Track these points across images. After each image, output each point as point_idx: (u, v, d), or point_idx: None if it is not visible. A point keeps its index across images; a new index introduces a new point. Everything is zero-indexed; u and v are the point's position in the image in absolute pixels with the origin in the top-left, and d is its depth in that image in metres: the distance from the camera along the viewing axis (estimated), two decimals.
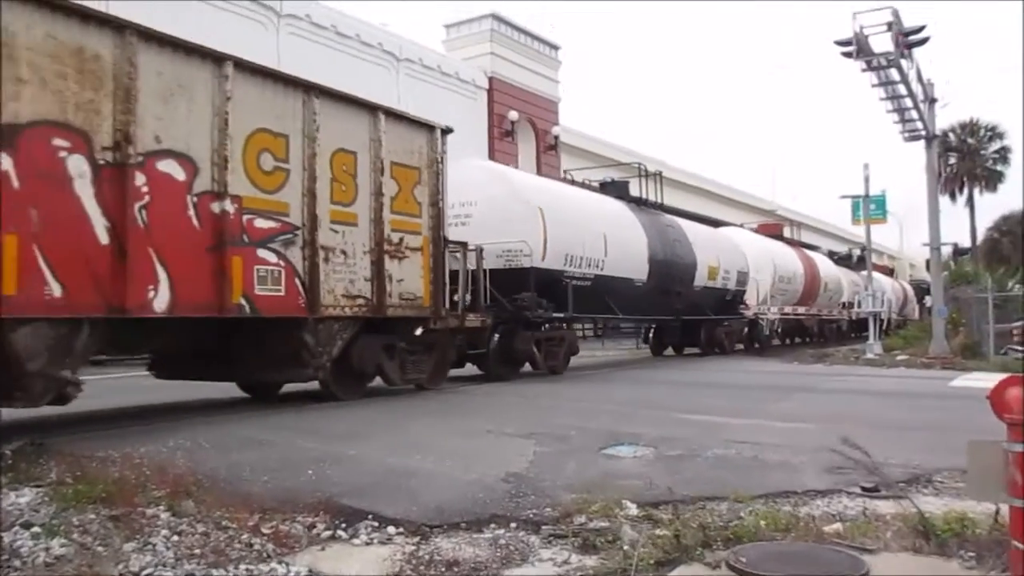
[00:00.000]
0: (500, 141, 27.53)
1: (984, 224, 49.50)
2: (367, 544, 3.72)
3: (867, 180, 23.26)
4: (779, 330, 25.47)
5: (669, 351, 21.16)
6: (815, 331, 29.57)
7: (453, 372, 10.92)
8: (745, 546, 3.52)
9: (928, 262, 25.29)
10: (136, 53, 6.35)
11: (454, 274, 10.16)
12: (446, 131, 9.81)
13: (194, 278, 6.78)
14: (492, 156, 25.40)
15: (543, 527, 3.88)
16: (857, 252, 35.38)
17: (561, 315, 12.73)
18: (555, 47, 30.66)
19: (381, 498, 4.29)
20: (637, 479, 4.78)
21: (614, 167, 19.37)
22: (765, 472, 5.06)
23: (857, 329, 30.30)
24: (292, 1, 21.49)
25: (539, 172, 25.54)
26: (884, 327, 26.02)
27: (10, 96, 5.60)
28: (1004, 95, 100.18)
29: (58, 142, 5.91)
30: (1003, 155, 46.07)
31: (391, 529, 3.84)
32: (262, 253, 7.39)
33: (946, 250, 26.49)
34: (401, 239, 9.03)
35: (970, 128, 45.86)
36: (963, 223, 46.29)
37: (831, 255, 33.14)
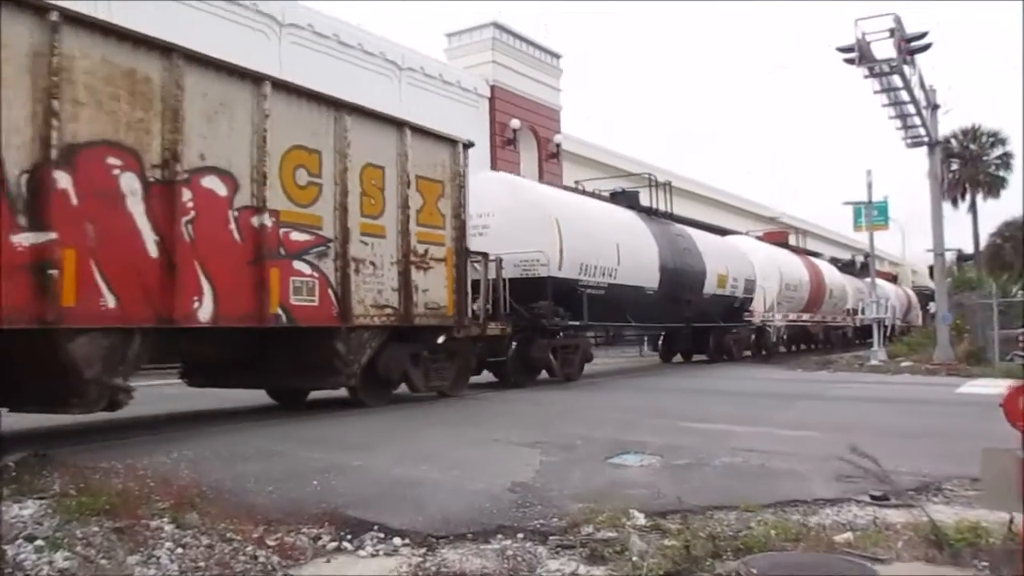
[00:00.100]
0: (502, 149, 28.00)
1: (987, 230, 50.26)
2: (373, 555, 3.73)
3: (870, 186, 23.69)
4: (785, 337, 25.99)
5: (678, 358, 21.67)
6: (820, 338, 30.16)
7: (471, 379, 11.21)
8: (756, 556, 3.53)
9: (931, 268, 25.74)
10: (183, 75, 6.81)
11: (475, 284, 10.62)
12: (468, 145, 10.30)
13: (235, 290, 7.21)
14: (494, 164, 25.89)
15: (550, 537, 3.91)
16: (860, 259, 35.97)
17: (577, 323, 13.20)
18: (556, 55, 31.22)
19: (387, 509, 4.32)
20: (644, 488, 4.85)
21: (624, 177, 19.90)
22: (773, 481, 5.10)
23: (862, 336, 30.83)
24: (293, 3, 21.94)
25: (541, 180, 26.02)
26: (888, 333, 26.47)
27: (69, 117, 6.04)
28: (1005, 98, 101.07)
29: (112, 160, 6.36)
30: (1005, 161, 46.70)
31: (397, 540, 3.86)
32: (297, 265, 7.83)
33: (949, 256, 26.97)
34: (426, 250, 9.49)
35: (972, 134, 46.56)
36: (965, 229, 47.00)
37: (834, 261, 33.71)
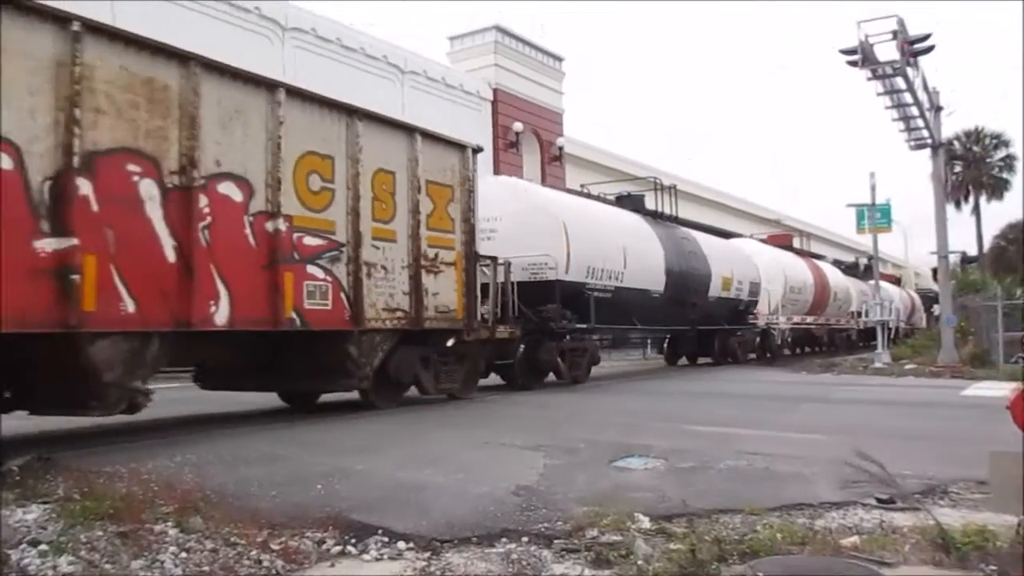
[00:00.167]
0: (505, 152, 28.20)
1: (990, 232, 50.46)
2: (377, 560, 3.75)
3: (873, 189, 23.71)
4: (789, 339, 26.18)
5: (683, 361, 21.87)
6: (824, 340, 30.37)
7: (479, 382, 11.36)
8: (762, 560, 3.54)
9: (934, 271, 25.87)
10: (200, 83, 6.98)
11: (484, 287, 10.81)
12: (477, 150, 10.50)
13: (250, 293, 7.37)
14: (497, 167, 26.07)
15: (555, 541, 3.92)
16: (864, 261, 36.14)
17: (584, 326, 13.39)
18: (559, 58, 31.45)
19: (391, 513, 4.34)
20: (649, 492, 4.87)
21: (630, 181, 20.12)
22: (778, 484, 5.11)
23: (866, 338, 31.05)
24: (296, 8, 22.14)
25: (544, 183, 26.23)
26: (892, 336, 26.60)
27: (90, 125, 6.21)
28: (1008, 101, 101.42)
29: (131, 167, 6.53)
30: (1009, 163, 46.95)
31: (401, 544, 3.88)
32: (311, 269, 8.01)
33: (953, 258, 27.06)
34: (436, 254, 9.67)
35: (975, 136, 46.81)
36: (969, 231, 47.24)
37: (837, 264, 33.92)
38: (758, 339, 22.94)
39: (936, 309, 26.60)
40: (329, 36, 23.07)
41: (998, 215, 69.32)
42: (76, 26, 6.11)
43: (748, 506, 4.35)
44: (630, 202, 17.41)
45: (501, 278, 11.29)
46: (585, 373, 14.00)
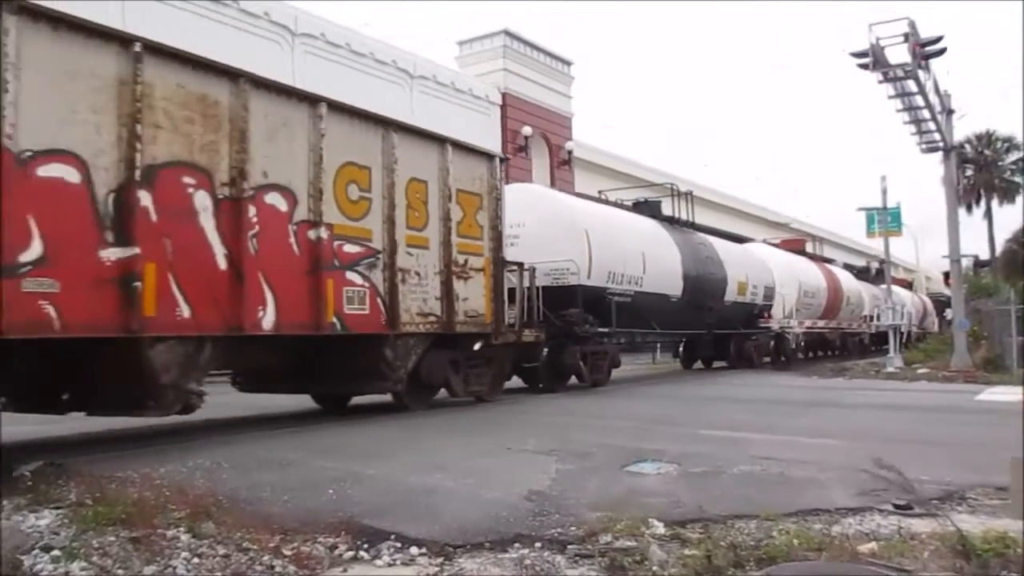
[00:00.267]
0: (514, 157, 28.65)
1: (1003, 236, 50.83)
2: (390, 565, 3.79)
3: (884, 192, 24.13)
4: (803, 343, 26.70)
5: (698, 364, 22.43)
6: (837, 344, 30.94)
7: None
8: (779, 566, 3.56)
9: (945, 275, 26.19)
10: (248, 98, 7.48)
11: (510, 292, 11.32)
12: (503, 159, 11.02)
13: (295, 299, 7.87)
14: (506, 172, 26.51)
15: (568, 546, 3.94)
16: (875, 265, 36.59)
17: (606, 330, 13.91)
18: (567, 62, 32.02)
19: (403, 518, 4.38)
20: (662, 497, 4.91)
21: (647, 187, 20.66)
22: (793, 489, 5.13)
23: (879, 342, 31.48)
24: (306, 14, 22.64)
25: (552, 187, 26.72)
26: (904, 340, 26.93)
27: (149, 140, 6.71)
28: (1007, 99, 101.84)
29: (186, 180, 7.04)
30: (1021, 166, 47.26)
31: (414, 550, 3.92)
32: (350, 275, 8.52)
33: (965, 262, 27.30)
34: (466, 260, 10.20)
35: (987, 139, 47.21)
36: (981, 235, 47.62)
37: (847, 268, 34.41)
38: (773, 343, 23.45)
39: (949, 313, 26.90)
40: (338, 41, 23.57)
41: (1011, 219, 69.76)
42: (137, 47, 6.61)
43: (763, 512, 4.37)
44: (647, 208, 17.96)
45: (527, 283, 11.82)
46: (606, 376, 14.54)
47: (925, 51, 19.55)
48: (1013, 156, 47.39)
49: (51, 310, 5.95)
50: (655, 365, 25.57)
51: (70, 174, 6.17)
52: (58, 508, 4.42)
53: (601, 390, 13.82)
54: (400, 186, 9.15)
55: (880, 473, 4.31)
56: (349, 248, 8.51)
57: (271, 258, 7.63)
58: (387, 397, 9.99)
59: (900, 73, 19.41)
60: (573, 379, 13.92)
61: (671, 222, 18.26)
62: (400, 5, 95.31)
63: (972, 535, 3.75)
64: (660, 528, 4.13)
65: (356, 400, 10.45)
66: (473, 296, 10.32)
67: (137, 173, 6.53)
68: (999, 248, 47.85)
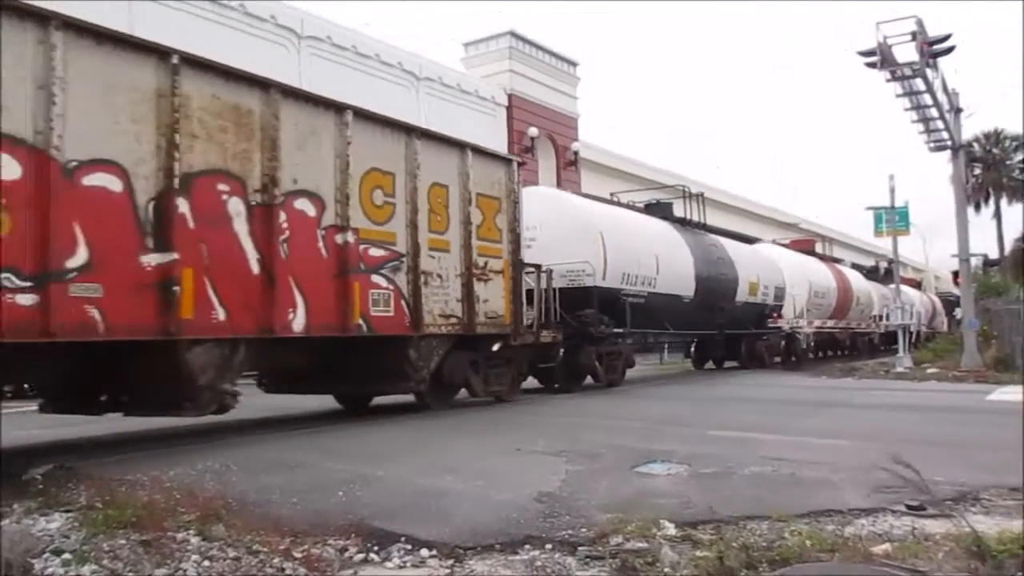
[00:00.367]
0: (520, 157, 29.03)
1: (1011, 235, 51.15)
2: (400, 567, 3.82)
3: (892, 191, 24.28)
4: (812, 343, 27.07)
5: (709, 365, 22.87)
6: (847, 344, 31.33)
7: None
8: (792, 567, 3.57)
9: (955, 274, 26.38)
10: (279, 107, 7.85)
11: (528, 293, 11.70)
12: (521, 164, 11.40)
13: (323, 302, 8.23)
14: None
15: (579, 548, 3.97)
16: (884, 265, 36.93)
17: (621, 330, 14.33)
18: (573, 63, 32.42)
19: (413, 520, 4.42)
20: (673, 498, 4.93)
21: (659, 188, 21.05)
22: (805, 490, 5.17)
23: (888, 342, 31.82)
24: (312, 16, 23.00)
25: (559, 187, 27.07)
26: (913, 340, 27.20)
27: (186, 149, 7.06)
28: (1007, 99, 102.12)
29: (221, 187, 7.39)
30: None
31: (424, 552, 3.95)
32: (375, 278, 8.89)
33: (974, 261, 27.55)
34: (486, 263, 10.58)
35: (995, 138, 47.55)
36: (989, 234, 47.89)
37: (854, 268, 34.78)
38: (783, 343, 23.84)
39: (958, 313, 27.14)
40: (344, 44, 23.94)
41: (1019, 218, 70.05)
42: (175, 59, 6.97)
43: (775, 512, 4.39)
44: (659, 210, 18.40)
45: (544, 285, 12.21)
46: (620, 376, 14.97)
47: (933, 49, 19.82)
48: (1021, 155, 47.71)
49: (96, 313, 6.31)
50: (662, 365, 25.92)
51: (113, 183, 6.53)
52: (68, 511, 4.53)
53: (615, 390, 14.18)
54: (422, 191, 9.52)
55: (898, 471, 4.26)
56: (374, 252, 8.89)
57: (301, 262, 7.99)
58: (407, 397, 10.35)
59: (908, 72, 19.66)
60: (588, 379, 14.29)
61: (683, 223, 18.70)
62: (403, 5, 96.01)
63: (987, 536, 3.74)
64: (671, 529, 4.18)
65: (377, 400, 10.81)
66: (493, 298, 10.70)
67: (175, 181, 6.89)
68: (1008, 247, 48.21)
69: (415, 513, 4.62)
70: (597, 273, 13.60)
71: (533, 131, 29.20)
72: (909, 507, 4.59)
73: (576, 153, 31.37)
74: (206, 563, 3.74)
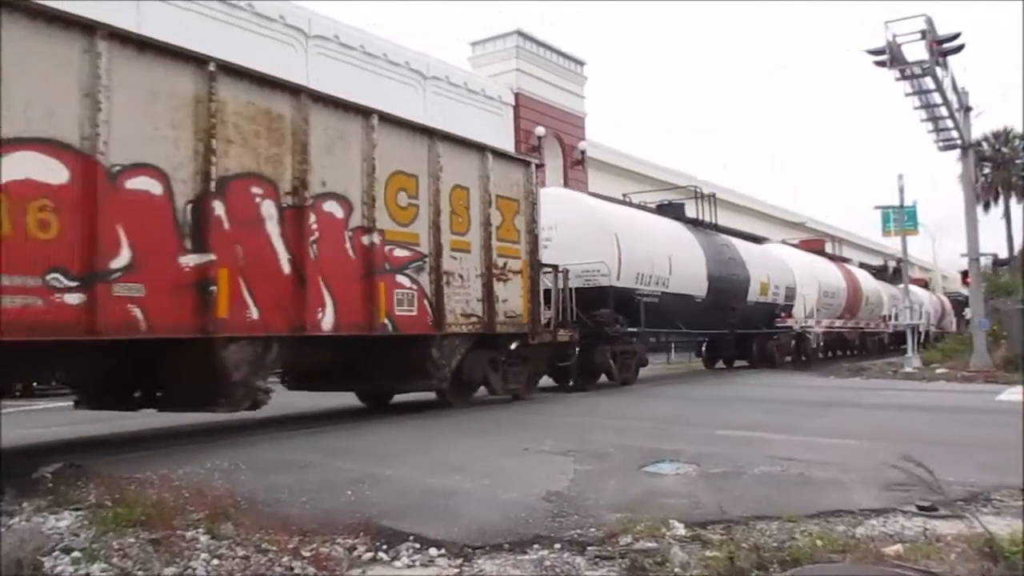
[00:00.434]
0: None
1: (1021, 234, 51.41)
2: (409, 567, 3.86)
3: (901, 191, 24.51)
4: (822, 343, 27.42)
5: (720, 364, 23.29)
6: (856, 344, 31.76)
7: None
8: (803, 568, 3.58)
9: (963, 273, 26.59)
10: (309, 112, 8.20)
11: (546, 293, 12.07)
12: (539, 166, 11.77)
13: (350, 301, 8.59)
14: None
15: (588, 548, 4.00)
16: (892, 264, 37.24)
17: (635, 330, 14.72)
18: (580, 62, 32.75)
19: (421, 519, 4.47)
20: (682, 498, 4.97)
21: (671, 189, 21.43)
22: (814, 490, 5.20)
23: (898, 342, 32.11)
24: (320, 16, 23.33)
25: (565, 187, 27.39)
26: (922, 340, 27.41)
27: (222, 153, 7.42)
28: (1008, 99, 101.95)
29: (254, 190, 7.75)
30: None
31: (433, 551, 3.99)
32: (399, 278, 9.27)
33: (984, 261, 27.67)
34: (505, 263, 10.95)
35: (1004, 137, 47.81)
36: (998, 233, 48.19)
37: (862, 267, 35.12)
38: (793, 343, 24.22)
39: (967, 313, 27.36)
40: (352, 43, 24.26)
41: None
42: (212, 66, 7.33)
43: (784, 513, 4.43)
44: (671, 210, 18.81)
45: (560, 285, 12.57)
46: (634, 375, 15.39)
47: (942, 48, 19.97)
48: None
49: (138, 312, 6.67)
50: (669, 365, 26.22)
51: (153, 186, 6.90)
52: (78, 509, 4.61)
53: (626, 389, 14.55)
54: (444, 193, 9.89)
55: (912, 472, 4.25)
56: (399, 252, 9.26)
57: (329, 262, 8.35)
58: (425, 395, 10.70)
59: (917, 70, 19.81)
60: (603, 377, 14.67)
61: (695, 224, 19.11)
62: (410, 5, 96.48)
63: (1000, 537, 3.73)
64: (680, 529, 4.21)
65: (396, 398, 11.16)
66: (512, 297, 11.07)
67: (212, 184, 7.25)
68: (1017, 246, 48.41)
69: (423, 512, 4.69)
70: (612, 273, 14.00)
71: (540, 130, 29.52)
72: (920, 508, 4.62)
73: (583, 152, 31.69)
74: (215, 561, 3.81)
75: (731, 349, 22.31)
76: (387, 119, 9.21)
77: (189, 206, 7.13)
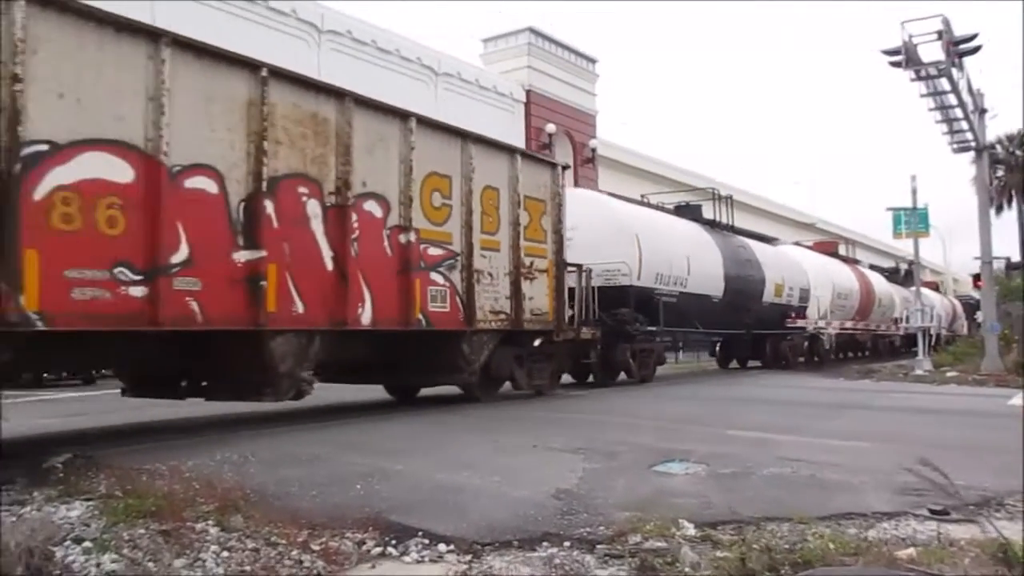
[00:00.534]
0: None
1: None
2: (418, 562, 3.92)
3: (914, 192, 24.90)
4: (834, 345, 28.02)
5: (734, 364, 23.97)
6: (868, 346, 32.50)
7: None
8: (816, 570, 3.60)
9: (975, 276, 26.96)
10: (352, 115, 8.74)
11: (570, 291, 12.62)
12: (565, 168, 12.41)
13: (387, 297, 9.14)
14: None
15: (597, 546, 4.04)
16: (904, 267, 37.77)
17: (654, 328, 15.33)
18: (592, 60, 33.33)
19: (430, 515, 4.54)
20: (692, 497, 5.01)
21: (689, 191, 22.06)
22: (825, 492, 5.23)
23: (909, 344, 32.55)
24: (333, 11, 23.85)
25: (576, 185, 27.89)
26: (933, 343, 27.92)
27: (272, 155, 7.95)
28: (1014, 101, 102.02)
29: (301, 189, 8.30)
30: None
31: (442, 547, 4.05)
32: (433, 276, 9.83)
33: (997, 264, 27.92)
34: (532, 262, 11.52)
35: (1019, 139, 48.18)
36: (1012, 237, 48.61)
37: (872, 269, 35.65)
38: (806, 344, 24.86)
39: (979, 316, 27.80)
40: (364, 39, 24.77)
41: None
42: (264, 72, 7.86)
43: (796, 514, 4.46)
44: (688, 211, 19.53)
45: (584, 284, 13.14)
46: (652, 372, 16.03)
47: (959, 48, 20.33)
48: None
49: (195, 306, 7.22)
50: (677, 364, 26.69)
51: (210, 186, 7.44)
52: (88, 500, 4.70)
53: (645, 386, 15.15)
54: (476, 193, 10.45)
55: (924, 474, 4.24)
56: (433, 251, 9.83)
57: (369, 260, 8.90)
58: (450, 389, 11.23)
59: (933, 71, 20.08)
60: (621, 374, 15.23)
61: (712, 225, 19.80)
62: (423, 4, 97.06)
63: (1013, 542, 3.75)
64: (691, 529, 4.26)
65: (420, 392, 11.72)
66: (538, 295, 11.64)
67: (263, 184, 7.78)
68: None
69: (433, 508, 4.77)
70: (632, 273, 14.65)
71: (551, 128, 30.03)
72: (932, 512, 4.65)
73: (594, 150, 32.23)
74: (225, 554, 3.89)
75: (746, 349, 22.96)
76: (424, 122, 9.77)
77: (242, 205, 7.66)
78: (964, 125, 22.60)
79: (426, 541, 4.12)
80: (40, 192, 6.10)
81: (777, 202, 48.88)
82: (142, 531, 4.05)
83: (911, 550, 3.92)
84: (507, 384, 11.81)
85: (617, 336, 14.46)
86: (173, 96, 7.06)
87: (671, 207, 19.55)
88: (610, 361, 14.57)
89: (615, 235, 14.85)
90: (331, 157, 8.56)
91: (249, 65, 7.82)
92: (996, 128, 48.51)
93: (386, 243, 9.21)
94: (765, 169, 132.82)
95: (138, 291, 6.76)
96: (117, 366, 8.67)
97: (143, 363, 8.22)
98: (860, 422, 9.91)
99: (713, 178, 36.91)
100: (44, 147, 6.14)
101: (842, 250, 33.49)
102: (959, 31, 20.39)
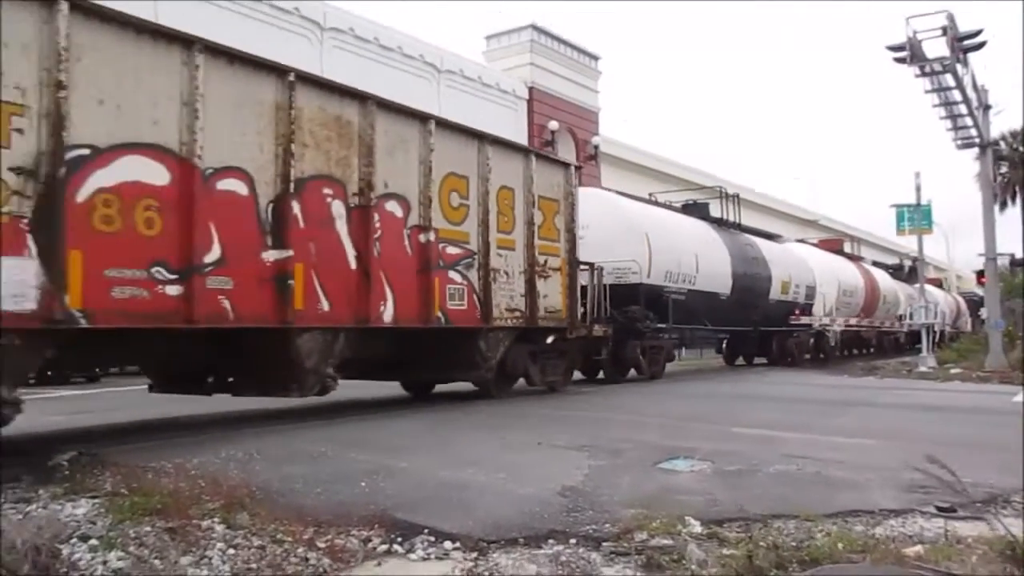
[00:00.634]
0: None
1: None
2: (424, 560, 3.96)
3: (918, 189, 25.13)
4: (840, 341, 28.46)
5: (740, 360, 24.45)
6: (873, 343, 32.98)
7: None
8: (824, 568, 3.63)
9: (978, 273, 27.25)
10: (375, 118, 9.10)
11: (582, 289, 13.03)
12: (578, 168, 12.81)
13: (408, 296, 9.51)
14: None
15: (603, 543, 4.08)
16: (908, 263, 38.20)
17: (663, 326, 15.78)
18: (595, 57, 33.68)
19: (436, 512, 4.58)
20: (697, 495, 5.07)
21: (696, 190, 22.50)
22: (831, 489, 5.28)
23: (914, 341, 32.98)
24: (335, 8, 24.16)
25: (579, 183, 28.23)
26: (937, 340, 28.17)
27: (299, 157, 8.30)
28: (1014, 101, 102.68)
29: (326, 191, 8.65)
30: None
31: (448, 544, 4.09)
32: (452, 274, 10.20)
33: (1001, 261, 28.10)
34: (546, 261, 11.91)
35: (1022, 136, 48.56)
36: (1015, 233, 49.01)
37: (875, 265, 36.10)
38: (812, 341, 25.35)
39: (983, 313, 28.14)
40: (367, 36, 25.05)
41: None
42: (291, 76, 8.22)
43: (802, 512, 4.50)
44: (696, 210, 20.02)
45: (595, 281, 13.56)
46: (661, 369, 16.49)
47: (963, 45, 20.69)
48: None
49: (227, 304, 7.57)
50: (682, 362, 27.02)
51: (240, 187, 7.79)
52: (94, 497, 4.74)
53: (655, 382, 15.57)
54: (492, 193, 10.83)
55: (932, 471, 4.25)
56: (451, 250, 10.21)
57: (390, 259, 9.27)
58: (464, 386, 11.59)
59: (937, 67, 20.40)
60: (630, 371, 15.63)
61: (719, 223, 20.27)
62: (426, 1, 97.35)
63: (1021, 540, 3.76)
64: (697, 527, 4.31)
65: (435, 388, 12.13)
66: (552, 293, 12.03)
67: (291, 186, 8.13)
68: None
69: (438, 505, 4.81)
70: (643, 271, 15.09)
71: (553, 125, 30.37)
72: (939, 509, 4.69)
73: (596, 148, 32.57)
74: (231, 551, 3.94)
75: (752, 346, 23.45)
76: (442, 124, 10.15)
77: (270, 206, 8.01)
78: (968, 121, 22.96)
79: (432, 538, 4.18)
80: (83, 195, 6.45)
81: (778, 198, 49.27)
82: (148, 529, 4.12)
83: (918, 547, 3.98)
84: (520, 381, 12.16)
85: (628, 333, 14.88)
86: (206, 101, 7.40)
87: (678, 205, 20.00)
88: (621, 358, 15.00)
89: (625, 234, 15.29)
90: (354, 159, 8.92)
91: (277, 70, 8.17)
92: (1000, 124, 48.71)
93: (407, 242, 9.59)
94: (765, 165, 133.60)
95: (174, 290, 7.10)
96: (151, 363, 9.01)
97: (173, 360, 8.57)
98: (865, 419, 10.08)
99: (714, 175, 37.48)
100: (86, 151, 6.49)
101: (847, 247, 33.94)
102: (964, 28, 20.71)
